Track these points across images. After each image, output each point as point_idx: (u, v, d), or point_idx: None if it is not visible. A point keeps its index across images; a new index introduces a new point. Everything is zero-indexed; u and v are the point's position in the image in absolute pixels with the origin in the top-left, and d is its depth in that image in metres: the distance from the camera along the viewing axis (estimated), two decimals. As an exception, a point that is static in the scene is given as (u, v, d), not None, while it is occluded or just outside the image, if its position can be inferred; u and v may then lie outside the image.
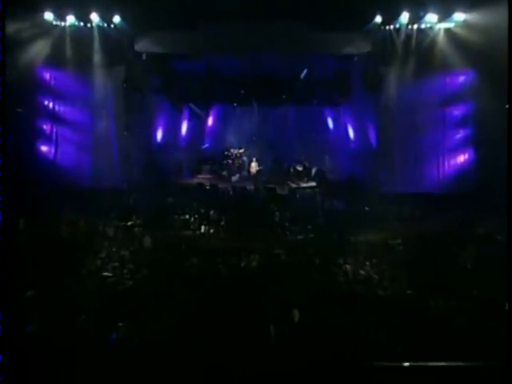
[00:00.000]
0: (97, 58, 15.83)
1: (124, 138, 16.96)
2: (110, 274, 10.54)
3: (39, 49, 14.94)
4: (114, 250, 12.13)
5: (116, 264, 11.09)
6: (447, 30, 15.19)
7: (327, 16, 14.35)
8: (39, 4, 14.34)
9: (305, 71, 18.57)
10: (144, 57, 16.53)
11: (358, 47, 15.87)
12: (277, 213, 14.92)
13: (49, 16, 14.77)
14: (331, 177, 19.24)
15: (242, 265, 10.89)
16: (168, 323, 7.01)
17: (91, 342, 5.98)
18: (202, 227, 14.29)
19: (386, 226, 14.02)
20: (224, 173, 20.57)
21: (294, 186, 18.82)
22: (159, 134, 20.19)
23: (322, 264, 10.88)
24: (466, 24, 14.62)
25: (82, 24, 15.42)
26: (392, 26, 15.43)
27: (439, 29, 15.28)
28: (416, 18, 15.07)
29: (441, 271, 9.97)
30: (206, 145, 22.26)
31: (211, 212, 14.91)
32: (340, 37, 15.71)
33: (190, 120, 21.78)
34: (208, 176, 20.34)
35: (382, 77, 16.29)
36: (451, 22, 14.98)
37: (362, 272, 10.66)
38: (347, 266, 10.93)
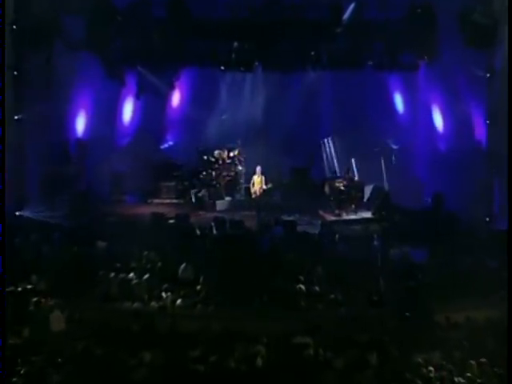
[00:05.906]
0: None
1: (16, 129, 17.28)
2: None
3: None
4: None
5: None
6: None
7: None
8: None
9: (351, 8, 18.99)
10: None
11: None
12: (300, 269, 15.00)
13: None
14: (401, 202, 19.38)
15: (233, 365, 10.91)
16: None
17: None
18: (163, 295, 14.37)
19: (505, 294, 14.02)
20: (201, 194, 20.75)
21: (331, 218, 19.04)
22: (80, 124, 20.56)
23: (383, 364, 10.90)
24: None
25: None
26: None
27: None
28: None
29: None
30: (169, 142, 22.56)
31: (180, 267, 15.01)
32: None
33: (138, 97, 22.12)
34: (172, 200, 20.56)
35: (497, 20, 16.57)
36: None
37: (459, 380, 10.67)
38: (431, 368, 10.95)
